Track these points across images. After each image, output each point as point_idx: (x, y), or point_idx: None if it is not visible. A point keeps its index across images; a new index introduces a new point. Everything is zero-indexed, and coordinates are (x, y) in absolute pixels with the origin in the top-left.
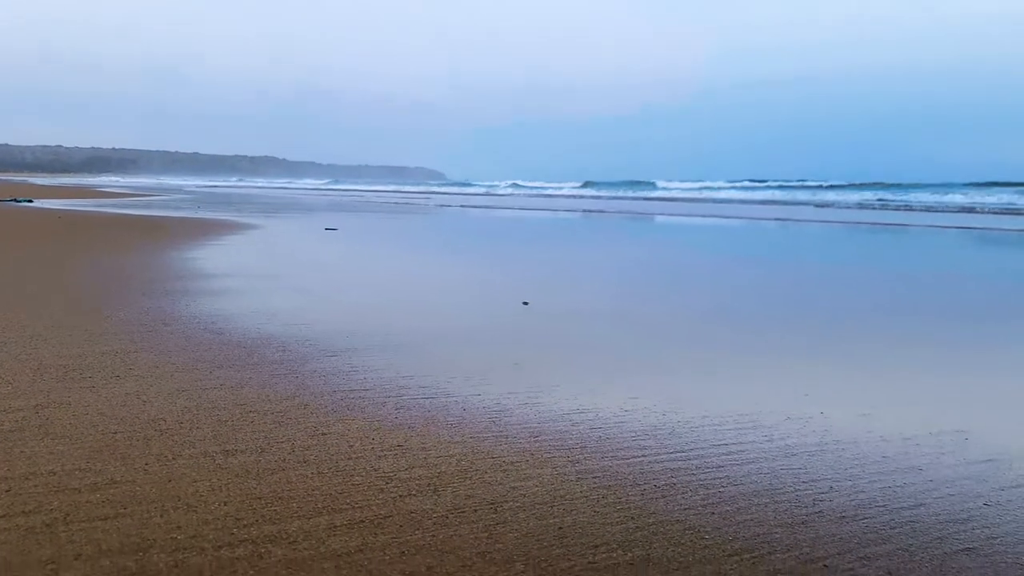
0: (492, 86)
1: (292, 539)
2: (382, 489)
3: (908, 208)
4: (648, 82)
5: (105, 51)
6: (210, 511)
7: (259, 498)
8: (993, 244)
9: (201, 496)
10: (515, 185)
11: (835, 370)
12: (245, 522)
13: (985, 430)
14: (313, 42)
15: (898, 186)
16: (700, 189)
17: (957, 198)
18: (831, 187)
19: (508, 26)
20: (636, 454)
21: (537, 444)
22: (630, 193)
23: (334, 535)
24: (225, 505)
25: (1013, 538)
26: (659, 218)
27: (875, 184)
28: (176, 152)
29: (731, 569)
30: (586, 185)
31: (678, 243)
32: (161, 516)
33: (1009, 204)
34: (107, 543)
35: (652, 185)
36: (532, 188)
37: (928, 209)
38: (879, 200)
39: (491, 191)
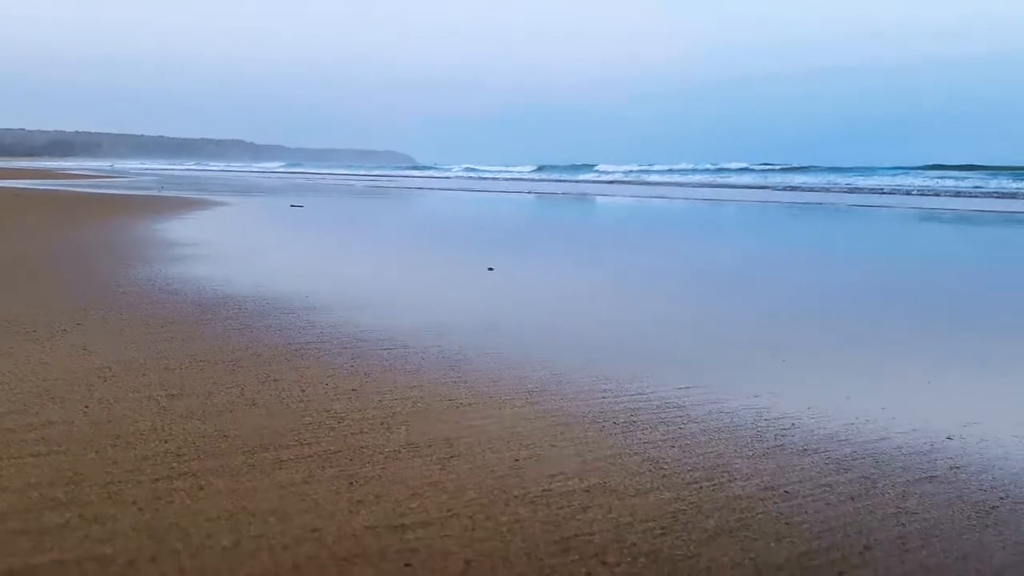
0: (467, 77)
1: (235, 472)
2: (333, 428)
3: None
4: (614, 78)
5: (71, 38)
6: (150, 448)
7: (203, 436)
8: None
9: (142, 435)
10: (469, 168)
11: (799, 320)
12: (187, 457)
13: (948, 372)
14: (284, 30)
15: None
16: (634, 172)
17: (884, 180)
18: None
19: (482, 19)
20: (596, 396)
21: (496, 388)
22: (566, 176)
23: (280, 468)
24: (166, 443)
25: (976, 467)
26: (598, 199)
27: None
28: (142, 135)
29: (689, 495)
30: (540, 169)
31: (612, 217)
32: (97, 453)
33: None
34: (37, 477)
35: (591, 168)
36: (484, 171)
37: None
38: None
39: (437, 174)
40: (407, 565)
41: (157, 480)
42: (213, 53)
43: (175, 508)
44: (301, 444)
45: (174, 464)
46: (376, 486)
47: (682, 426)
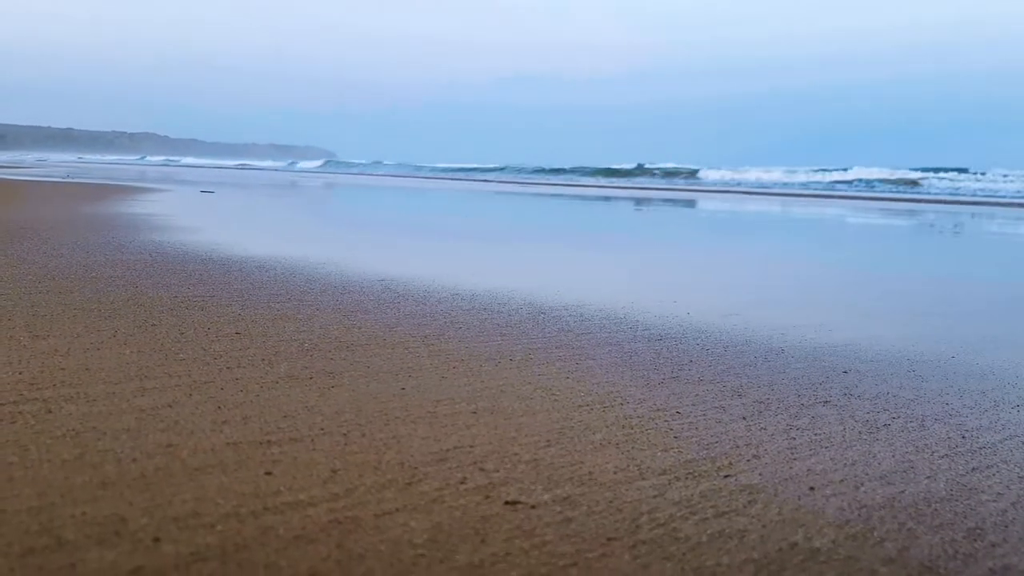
0: (386, 78)
1: (91, 399)
2: (208, 363)
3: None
4: (528, 83)
5: None
6: (1, 380)
7: (62, 369)
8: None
9: None
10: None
11: (697, 279)
12: (40, 386)
13: (845, 322)
14: (203, 13)
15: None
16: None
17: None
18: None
19: (398, 21)
20: (496, 340)
21: (392, 333)
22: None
23: (142, 395)
24: (20, 374)
25: (870, 394)
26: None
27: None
28: (49, 127)
29: (579, 416)
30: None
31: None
32: None
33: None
34: None
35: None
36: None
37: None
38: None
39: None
40: (267, 473)
41: (1, 405)
42: (123, 38)
43: (17, 427)
44: (169, 376)
45: (24, 392)
46: (245, 410)
47: (579, 362)
